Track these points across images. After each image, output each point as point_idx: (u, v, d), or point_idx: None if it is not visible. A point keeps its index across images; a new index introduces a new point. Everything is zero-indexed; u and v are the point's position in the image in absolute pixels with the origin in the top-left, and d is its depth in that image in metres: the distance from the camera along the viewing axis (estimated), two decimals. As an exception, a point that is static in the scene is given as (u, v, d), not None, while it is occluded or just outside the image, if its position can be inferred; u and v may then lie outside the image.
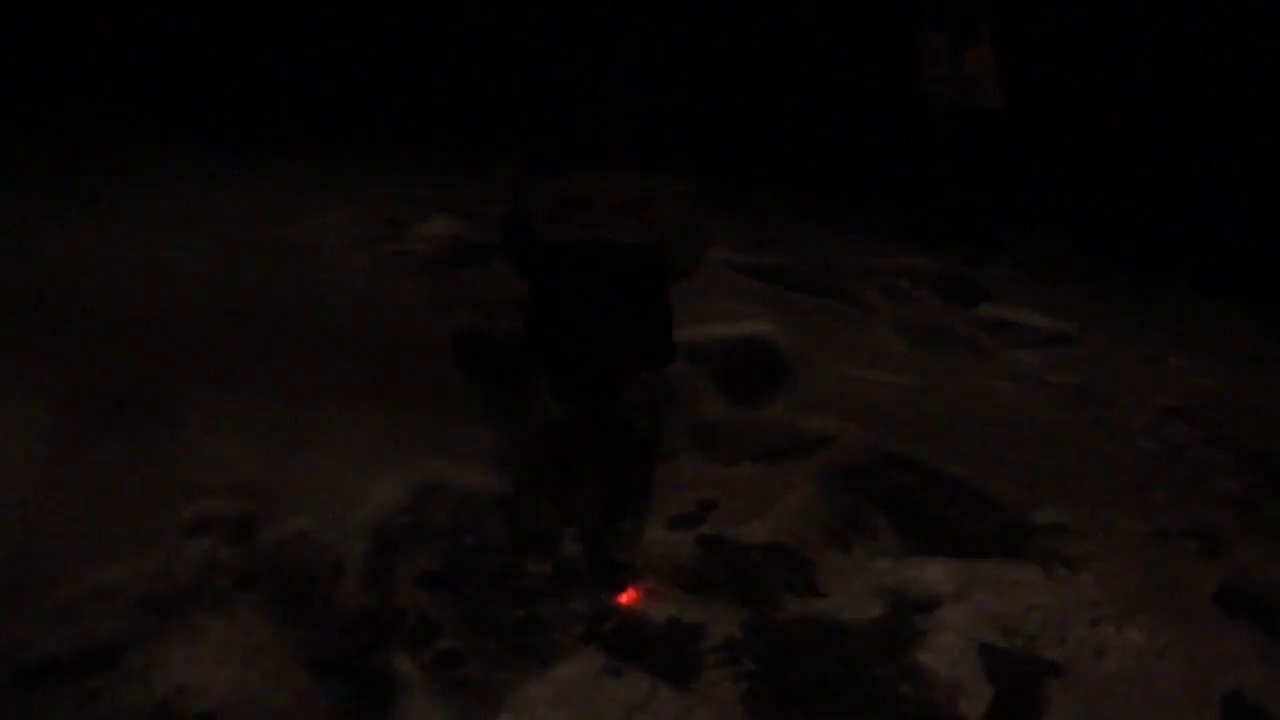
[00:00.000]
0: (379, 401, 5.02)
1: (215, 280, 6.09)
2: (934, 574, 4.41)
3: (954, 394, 6.07)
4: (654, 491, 4.36)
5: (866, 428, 5.41)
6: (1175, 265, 9.02)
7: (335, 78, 10.37)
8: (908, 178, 9.23)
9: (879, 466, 5.16)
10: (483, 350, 5.62)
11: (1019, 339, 7.11)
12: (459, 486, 4.47)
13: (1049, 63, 9.52)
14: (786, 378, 5.82)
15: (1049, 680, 3.94)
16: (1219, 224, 9.17)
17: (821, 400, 5.63)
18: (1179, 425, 6.05)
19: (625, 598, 4.16)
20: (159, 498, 4.14)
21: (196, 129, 9.36)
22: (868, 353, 6.33)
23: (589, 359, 4.06)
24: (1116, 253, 9.28)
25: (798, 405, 5.57)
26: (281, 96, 10.18)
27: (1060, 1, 9.78)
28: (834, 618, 4.14)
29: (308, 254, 6.69)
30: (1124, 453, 5.69)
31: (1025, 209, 9.68)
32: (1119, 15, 9.61)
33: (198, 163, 8.24)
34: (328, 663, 3.59)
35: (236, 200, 7.49)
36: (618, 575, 4.22)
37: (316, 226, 7.07)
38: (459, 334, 5.75)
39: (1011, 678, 3.94)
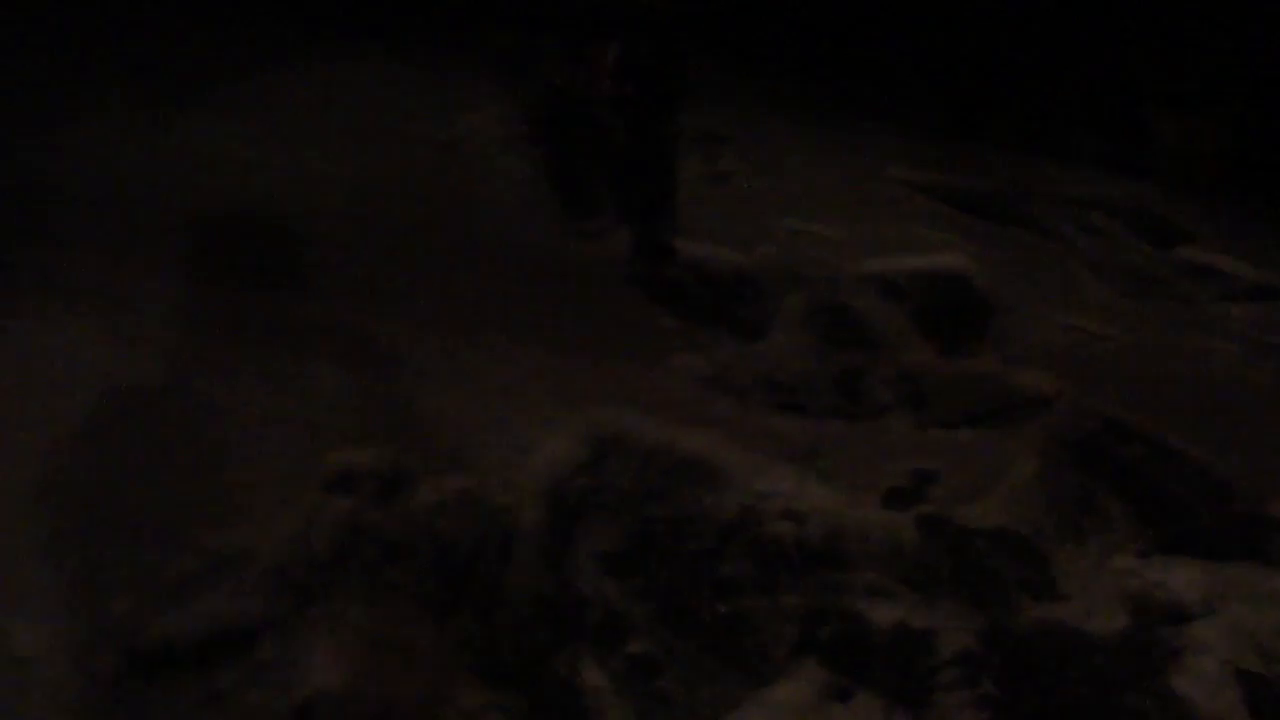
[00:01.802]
0: (549, 332, 4.47)
1: (353, 185, 5.50)
2: (1180, 579, 3.79)
3: (1168, 353, 5.44)
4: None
5: (1085, 389, 4.78)
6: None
7: None
8: None
9: (1103, 437, 4.53)
10: (671, 271, 5.00)
11: (1224, 289, 6.41)
12: (645, 443, 3.86)
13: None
14: (991, 323, 5.22)
15: (1315, 717, 3.25)
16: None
17: (1033, 353, 5.04)
18: None
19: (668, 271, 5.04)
20: (294, 442, 3.57)
21: (321, 14, 8.69)
22: (1072, 298, 5.70)
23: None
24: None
25: (1009, 357, 4.96)
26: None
27: None
28: (1077, 628, 3.54)
29: (458, 156, 6.10)
30: (1363, 431, 4.98)
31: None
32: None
33: (325, 52, 7.54)
34: (501, 669, 3.00)
35: (373, 93, 6.85)
36: (663, 255, 5.15)
37: (466, 125, 6.44)
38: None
39: (1275, 713, 3.34)
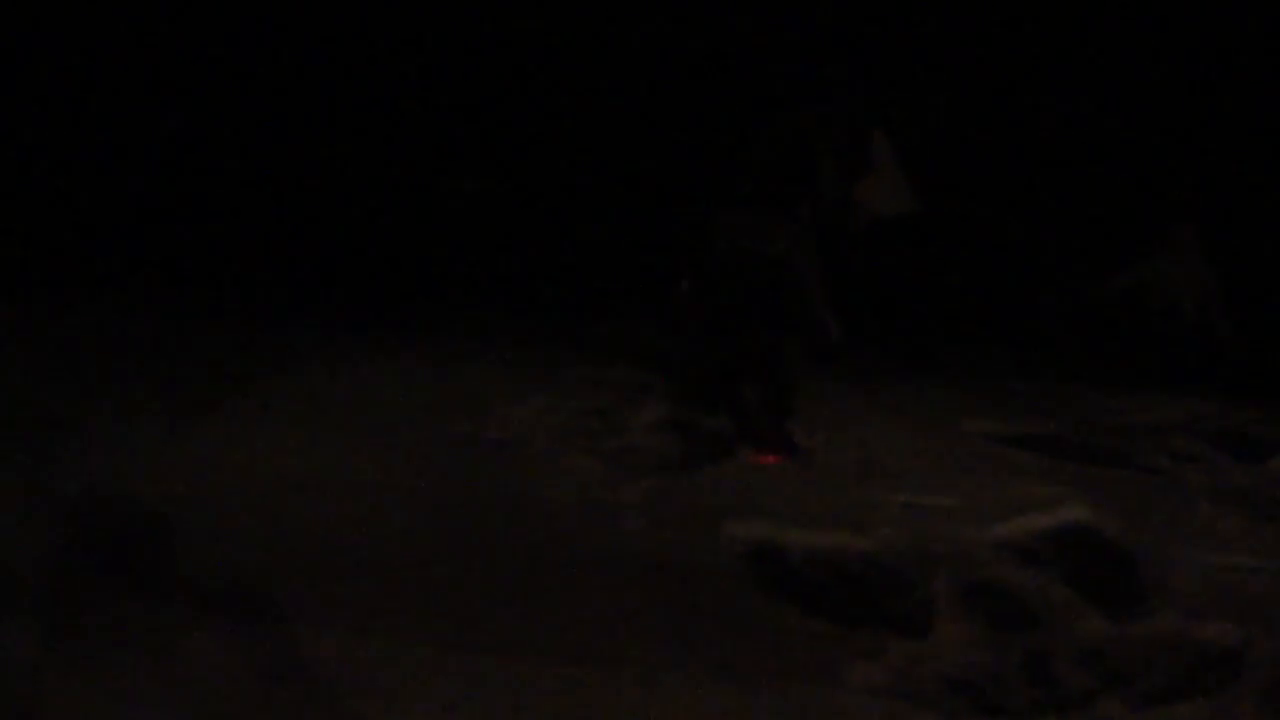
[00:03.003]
0: (686, 657, 4.04)
1: (405, 494, 5.14)
2: None
3: (1324, 577, 5.03)
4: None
5: (1265, 632, 4.43)
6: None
7: (496, 249, 9.48)
8: None
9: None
10: (791, 571, 4.60)
11: (1336, 500, 6.07)
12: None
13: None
14: (1141, 575, 4.84)
15: None
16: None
17: (1196, 601, 4.66)
18: None
19: (760, 458, 5.90)
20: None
21: (335, 309, 8.44)
22: (1203, 533, 5.36)
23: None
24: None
25: (1177, 611, 4.58)
26: (439, 272, 9.30)
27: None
28: None
29: (513, 455, 5.72)
30: None
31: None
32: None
33: (348, 348, 7.29)
34: None
35: (407, 390, 6.54)
36: (757, 443, 5.98)
37: (514, 419, 6.09)
38: (750, 552, 4.72)
39: None
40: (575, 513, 5.14)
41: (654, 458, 5.74)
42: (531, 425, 6.02)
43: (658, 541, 4.89)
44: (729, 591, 4.51)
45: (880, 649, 4.09)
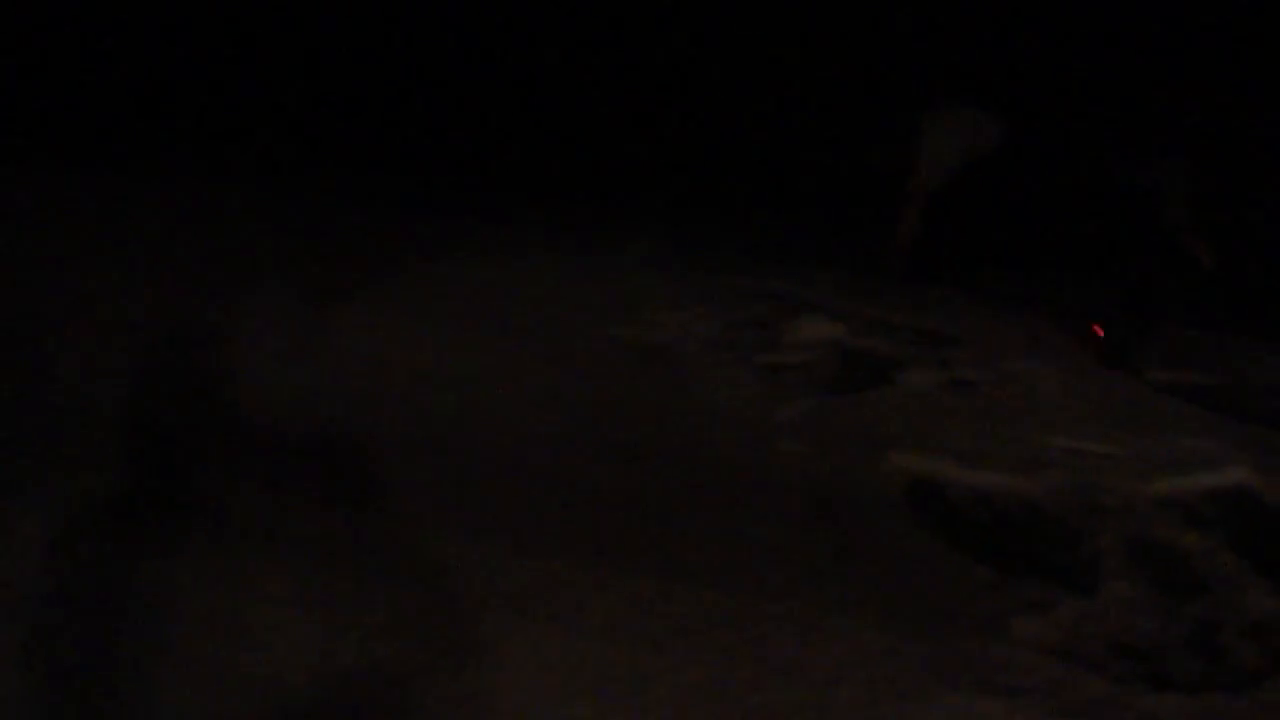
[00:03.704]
0: (845, 592, 4.01)
1: (551, 395, 5.20)
2: None
3: None
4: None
5: None
6: None
7: (663, 148, 9.37)
8: None
9: None
10: (953, 511, 4.57)
11: None
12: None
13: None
14: (1307, 548, 4.69)
15: None
16: None
17: (1363, 585, 4.50)
18: None
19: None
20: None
21: (485, 200, 8.43)
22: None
23: None
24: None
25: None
26: (588, 166, 9.23)
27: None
28: None
29: (664, 363, 5.72)
30: None
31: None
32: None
33: (495, 240, 7.31)
34: None
35: (560, 288, 6.50)
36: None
37: (667, 326, 6.08)
38: (911, 486, 4.69)
39: None
40: (731, 429, 5.12)
41: (812, 376, 5.70)
42: (686, 332, 6.00)
43: (816, 467, 4.88)
44: (890, 528, 4.49)
45: (1047, 603, 4.03)
